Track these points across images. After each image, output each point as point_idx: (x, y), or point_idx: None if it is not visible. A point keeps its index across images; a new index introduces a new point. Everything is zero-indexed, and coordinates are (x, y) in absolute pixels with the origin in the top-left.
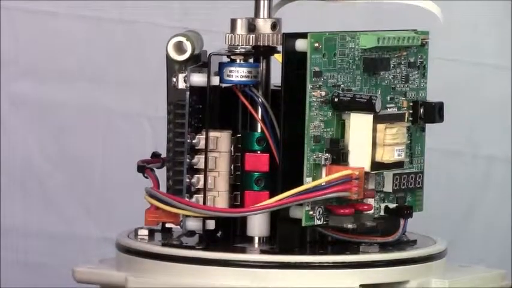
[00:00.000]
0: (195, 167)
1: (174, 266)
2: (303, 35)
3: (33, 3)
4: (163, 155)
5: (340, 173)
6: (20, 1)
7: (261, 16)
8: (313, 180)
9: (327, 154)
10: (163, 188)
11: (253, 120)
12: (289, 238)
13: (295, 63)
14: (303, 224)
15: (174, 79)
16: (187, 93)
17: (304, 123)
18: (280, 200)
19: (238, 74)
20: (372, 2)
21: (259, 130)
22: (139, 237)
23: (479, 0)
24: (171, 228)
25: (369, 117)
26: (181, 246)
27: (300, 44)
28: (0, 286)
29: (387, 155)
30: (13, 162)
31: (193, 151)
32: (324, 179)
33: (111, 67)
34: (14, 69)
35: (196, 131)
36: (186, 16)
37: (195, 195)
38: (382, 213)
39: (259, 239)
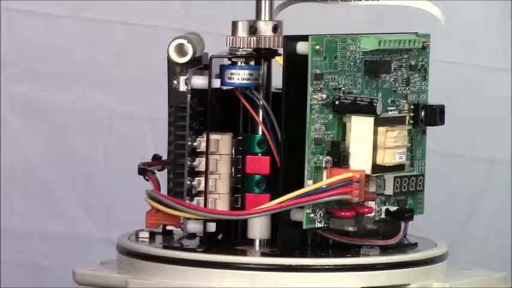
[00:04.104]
0: (195, 169)
1: (175, 268)
2: (304, 38)
3: (34, 5)
4: (164, 157)
5: (341, 175)
6: (20, 3)
7: (263, 18)
8: (314, 183)
9: (328, 157)
10: (164, 191)
11: (254, 122)
12: (290, 241)
13: (296, 65)
14: (304, 226)
15: (175, 81)
16: (188, 95)
17: (305, 126)
18: (281, 202)
19: (239, 76)
20: (373, 3)
21: (260, 133)
22: (140, 239)
23: (480, 1)
24: (171, 230)
25: (370, 120)
26: (182, 248)
27: (301, 47)
28: (1, 287)
29: (388, 158)
30: (14, 163)
31: (194, 154)
32: (324, 181)
33: (112, 69)
34: (15, 70)
35: (197, 133)
36: (188, 18)
37: (196, 198)
38: (383, 216)
39: (260, 241)
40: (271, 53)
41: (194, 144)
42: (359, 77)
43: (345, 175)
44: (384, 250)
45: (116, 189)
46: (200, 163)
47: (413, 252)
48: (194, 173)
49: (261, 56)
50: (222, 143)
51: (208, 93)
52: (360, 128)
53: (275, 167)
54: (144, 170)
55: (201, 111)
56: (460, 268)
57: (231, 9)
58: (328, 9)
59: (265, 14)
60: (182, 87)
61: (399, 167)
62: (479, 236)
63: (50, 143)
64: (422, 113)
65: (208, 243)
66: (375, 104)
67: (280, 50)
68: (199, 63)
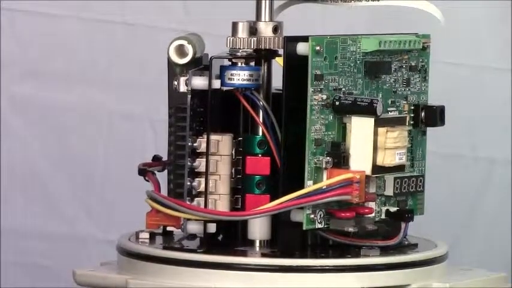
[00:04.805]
0: (196, 170)
1: (175, 269)
2: (304, 39)
3: (34, 5)
4: (165, 158)
5: (341, 176)
6: (20, 3)
7: (263, 19)
8: (314, 183)
9: (328, 157)
10: (164, 191)
11: (255, 123)
12: (290, 241)
13: (296, 66)
14: (304, 227)
15: (176, 82)
16: (189, 96)
17: (305, 127)
18: (281, 203)
19: (239, 77)
20: (373, 4)
21: (260, 133)
22: (140, 240)
23: (479, 0)
24: (172, 231)
25: (370, 121)
26: (182, 249)
27: (301, 48)
28: (1, 287)
29: (388, 159)
30: (14, 163)
31: (195, 154)
32: (325, 182)
33: (112, 69)
34: (15, 71)
35: (198, 134)
36: (188, 19)
37: (196, 199)
38: (383, 216)
39: (260, 242)
40: (272, 54)
41: (194, 145)
42: (359, 77)
43: (345, 176)
44: (384, 251)
45: (116, 189)
46: (200, 164)
47: (414, 253)
48: (194, 174)
49: (261, 56)
50: (222, 143)
51: (208, 94)
52: (360, 128)
53: (275, 168)
54: (144, 171)
55: (201, 112)
56: (460, 268)
57: (231, 10)
58: (328, 10)
59: (265, 14)
60: (182, 88)
61: (399, 168)
62: (480, 236)
63: (50, 143)
64: (423, 114)
65: (209, 244)
66: (375, 104)
67: (281, 51)
68: (199, 64)
